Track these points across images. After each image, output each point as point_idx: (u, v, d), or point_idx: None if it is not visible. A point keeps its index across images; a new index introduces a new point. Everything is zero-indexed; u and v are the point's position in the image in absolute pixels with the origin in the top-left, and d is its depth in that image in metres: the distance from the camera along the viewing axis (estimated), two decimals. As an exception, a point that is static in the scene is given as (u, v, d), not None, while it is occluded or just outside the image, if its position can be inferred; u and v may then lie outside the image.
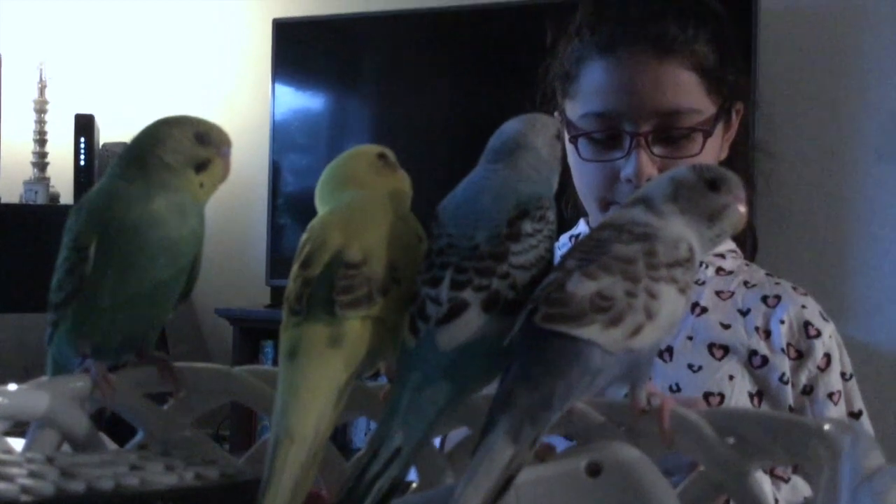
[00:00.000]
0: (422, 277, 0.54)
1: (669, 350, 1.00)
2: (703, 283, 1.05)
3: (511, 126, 0.60)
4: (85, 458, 0.46)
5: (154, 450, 0.55)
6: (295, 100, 2.89)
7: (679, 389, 0.96)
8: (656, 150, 0.99)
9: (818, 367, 0.99)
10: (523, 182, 0.56)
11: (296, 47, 2.87)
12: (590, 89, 1.03)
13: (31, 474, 0.40)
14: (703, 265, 1.05)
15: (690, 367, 0.98)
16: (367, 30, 2.82)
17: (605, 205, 1.04)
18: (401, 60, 2.80)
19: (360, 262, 0.54)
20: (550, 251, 0.55)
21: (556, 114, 1.10)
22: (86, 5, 3.18)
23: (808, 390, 0.99)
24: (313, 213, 0.61)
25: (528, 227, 0.54)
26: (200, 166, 0.59)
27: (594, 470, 0.50)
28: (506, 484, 0.46)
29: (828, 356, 1.00)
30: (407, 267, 0.56)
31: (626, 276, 0.51)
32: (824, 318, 1.03)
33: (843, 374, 1.01)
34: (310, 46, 2.89)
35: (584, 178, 1.05)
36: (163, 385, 0.60)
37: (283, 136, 2.87)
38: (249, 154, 2.98)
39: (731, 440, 0.52)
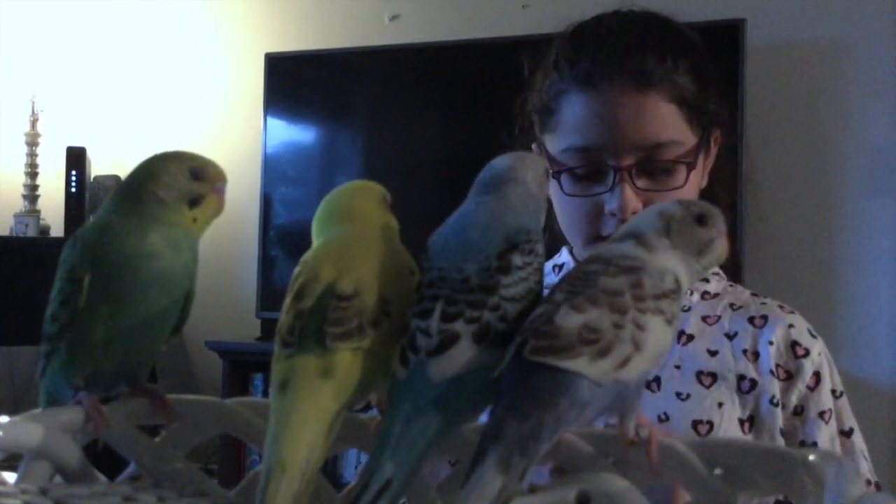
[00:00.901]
0: (413, 310, 0.54)
1: (657, 380, 1.00)
2: (689, 308, 1.04)
3: (501, 161, 0.61)
4: (78, 490, 0.46)
5: (146, 482, 0.55)
6: (286, 133, 2.91)
7: (668, 419, 0.96)
8: (640, 183, 0.99)
9: (808, 387, 0.99)
10: (511, 215, 0.57)
11: (287, 81, 2.89)
12: (570, 123, 1.02)
13: (25, 505, 0.40)
14: (689, 291, 1.04)
15: (679, 395, 0.98)
16: (357, 64, 2.84)
17: (590, 239, 1.03)
18: (391, 95, 2.82)
19: (352, 295, 0.55)
20: (540, 283, 0.56)
21: (534, 146, 1.10)
22: (78, 39, 3.20)
23: (800, 410, 0.98)
24: (304, 245, 0.62)
25: (517, 259, 0.55)
26: (194, 201, 0.60)
27: (583, 501, 0.51)
28: (496, 514, 0.46)
29: (817, 374, 1.00)
30: (398, 300, 0.56)
31: (614, 309, 0.52)
32: (812, 336, 1.03)
33: (833, 392, 1.00)
34: (301, 80, 2.91)
35: (568, 212, 1.05)
36: (155, 417, 0.60)
37: (274, 169, 2.89)
38: (241, 187, 2.99)
39: (719, 471, 0.53)
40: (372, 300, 0.55)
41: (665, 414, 0.97)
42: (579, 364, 0.50)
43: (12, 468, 0.58)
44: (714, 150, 1.09)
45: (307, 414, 0.51)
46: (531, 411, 0.49)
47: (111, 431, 0.58)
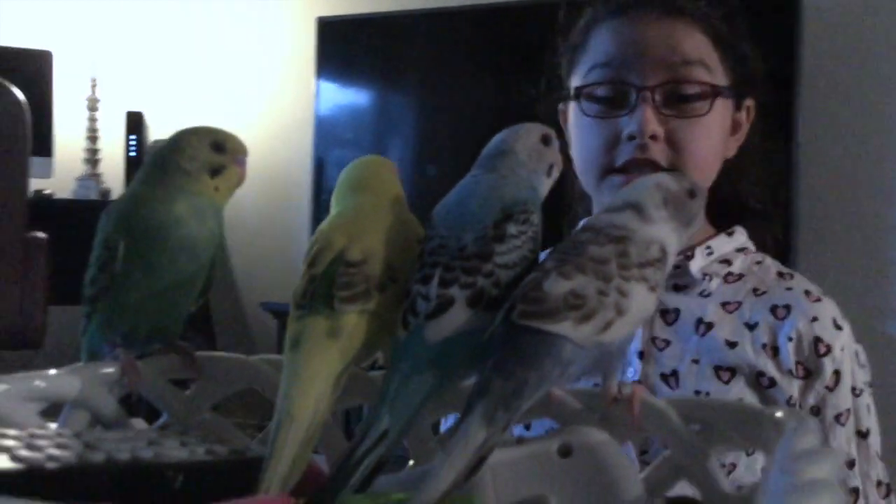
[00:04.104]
0: (415, 276, 0.59)
1: (675, 375, 0.97)
2: (709, 295, 1.01)
3: (498, 135, 0.64)
4: (108, 435, 0.52)
5: (174, 430, 0.61)
6: (338, 96, 2.95)
7: None
8: (663, 109, 0.97)
9: (826, 388, 0.95)
10: (508, 187, 0.61)
11: (339, 45, 2.94)
12: (598, 48, 1.01)
13: (58, 446, 0.46)
14: (708, 277, 1.02)
15: (697, 393, 0.95)
16: (409, 27, 2.87)
17: (604, 170, 1.00)
18: (442, 57, 2.84)
19: (360, 262, 0.59)
20: (534, 251, 0.60)
21: (560, 105, 1.10)
22: (135, 6, 3.27)
23: (816, 412, 0.95)
24: None
25: (512, 229, 0.59)
26: (216, 171, 0.65)
27: (565, 451, 0.55)
28: (479, 462, 0.51)
29: (837, 373, 0.96)
30: (404, 267, 0.61)
31: (599, 276, 0.56)
32: (837, 326, 0.98)
33: (853, 390, 0.97)
34: (352, 44, 2.95)
35: (585, 142, 1.03)
36: (185, 372, 0.66)
37: (326, 133, 2.93)
38: (293, 150, 3.06)
39: (696, 427, 0.57)
40: (379, 267, 0.60)
41: None
42: (563, 328, 0.54)
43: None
44: (745, 124, 1.07)
45: (315, 370, 0.56)
46: (516, 370, 0.53)
47: (145, 384, 0.64)
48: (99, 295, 0.64)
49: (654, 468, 0.58)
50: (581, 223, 0.81)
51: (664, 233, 0.59)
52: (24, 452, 0.44)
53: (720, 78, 1.00)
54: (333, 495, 0.51)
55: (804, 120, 2.31)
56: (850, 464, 0.96)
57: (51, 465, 0.43)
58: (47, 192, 2.96)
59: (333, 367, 0.56)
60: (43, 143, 2.98)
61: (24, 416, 0.56)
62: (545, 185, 0.64)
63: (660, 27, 0.99)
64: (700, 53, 0.99)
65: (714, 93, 0.99)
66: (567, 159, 1.10)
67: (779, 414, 0.53)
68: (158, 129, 3.27)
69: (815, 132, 2.38)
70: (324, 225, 0.64)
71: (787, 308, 0.98)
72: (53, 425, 0.61)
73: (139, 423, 0.64)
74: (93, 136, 3.17)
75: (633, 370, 0.99)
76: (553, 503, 0.54)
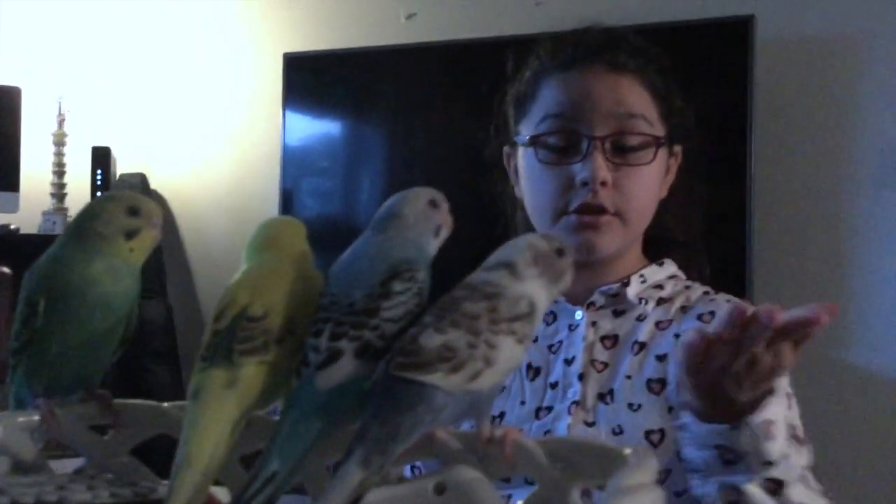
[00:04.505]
0: (309, 330, 0.65)
1: (611, 392, 1.05)
2: (645, 318, 1.10)
3: (389, 199, 0.70)
4: (20, 479, 0.58)
5: (88, 473, 0.66)
6: (305, 131, 2.99)
7: (622, 431, 1.02)
8: (611, 157, 1.07)
9: None
10: (396, 248, 0.67)
11: (306, 78, 2.99)
12: (548, 99, 1.10)
13: (-32, 493, 0.51)
14: (644, 301, 1.12)
15: (630, 406, 1.03)
16: (373, 63, 2.92)
17: (558, 214, 1.09)
18: (408, 93, 2.88)
19: (261, 317, 0.65)
20: (420, 305, 0.66)
21: (505, 149, 1.18)
22: (101, 42, 3.33)
23: None
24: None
25: (398, 286, 0.65)
26: (130, 234, 0.70)
27: (440, 489, 0.61)
28: (355, 502, 0.57)
29: None
30: (304, 320, 0.67)
31: (470, 330, 0.61)
32: None
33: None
34: (319, 77, 3.00)
35: (539, 187, 1.11)
36: (103, 418, 0.71)
37: (294, 164, 2.97)
38: (261, 183, 3.11)
39: (560, 465, 0.63)
40: (279, 320, 0.65)
41: (619, 427, 1.02)
42: (435, 378, 0.60)
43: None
44: (674, 167, 1.17)
45: (212, 418, 0.61)
46: (391, 416, 0.59)
47: (65, 430, 0.69)
48: (23, 348, 0.70)
49: (525, 503, 0.64)
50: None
51: (534, 289, 0.65)
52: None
53: (658, 128, 1.10)
54: (224, 532, 0.56)
55: (757, 152, 2.36)
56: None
57: (-44, 510, 0.49)
58: (13, 227, 3.00)
59: (229, 415, 0.62)
60: (10, 178, 3.02)
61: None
62: (433, 245, 0.70)
63: (606, 81, 1.08)
64: (642, 107, 1.09)
65: (657, 143, 1.09)
66: (513, 199, 1.19)
67: (627, 451, 0.59)
68: (125, 164, 3.31)
69: (769, 164, 2.43)
70: (230, 283, 0.70)
71: (712, 313, 1.08)
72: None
73: (64, 466, 0.69)
74: (59, 171, 3.20)
75: (574, 391, 1.07)
76: (427, 537, 0.59)
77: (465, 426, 0.65)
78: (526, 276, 0.65)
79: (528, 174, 1.14)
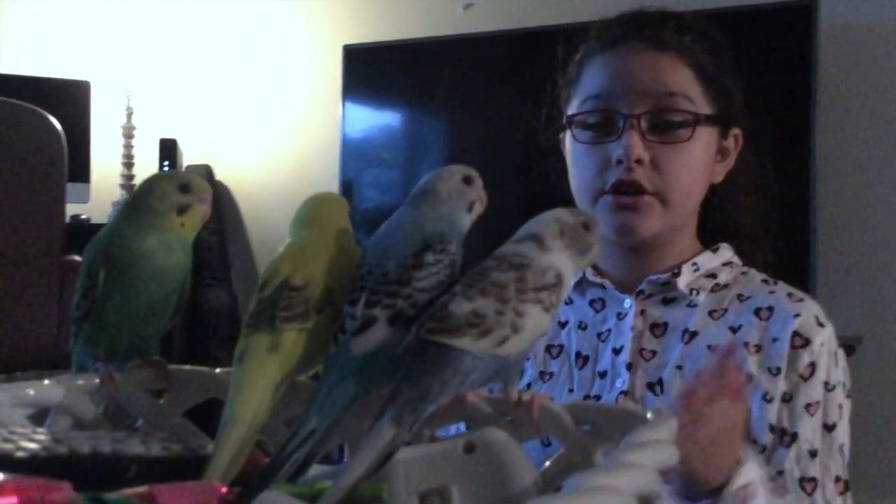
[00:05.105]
0: (346, 299, 0.69)
1: (660, 382, 1.04)
2: (696, 306, 1.09)
3: (425, 177, 0.74)
4: (78, 434, 0.62)
5: (143, 431, 0.71)
6: (364, 122, 3.04)
7: None
8: (648, 135, 1.06)
9: (800, 376, 1.02)
10: (430, 221, 0.70)
11: (365, 70, 3.03)
12: (589, 81, 1.11)
13: (31, 440, 0.56)
14: (695, 291, 1.10)
15: None
16: (430, 54, 2.95)
17: (596, 193, 1.09)
18: (465, 83, 2.91)
19: (302, 287, 0.69)
20: (451, 276, 0.69)
21: (561, 136, 1.18)
22: (168, 37, 3.42)
23: (788, 398, 1.02)
24: None
25: (430, 258, 0.68)
26: (182, 210, 0.75)
27: (469, 448, 0.64)
28: (387, 457, 0.60)
29: (813, 365, 1.02)
30: (342, 290, 0.70)
31: (498, 299, 0.65)
32: (820, 324, 1.04)
33: (825, 384, 1.03)
34: (378, 69, 3.05)
35: (578, 168, 1.11)
36: (158, 383, 0.76)
37: (353, 155, 3.02)
38: (321, 174, 3.17)
39: (587, 427, 0.66)
40: (318, 291, 0.69)
41: None
42: (463, 342, 0.63)
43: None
44: (734, 151, 1.14)
45: (255, 380, 0.65)
46: (421, 378, 0.62)
47: (123, 393, 0.74)
48: (83, 317, 0.75)
49: (551, 463, 0.67)
50: None
51: (561, 260, 0.68)
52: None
53: (703, 108, 1.08)
54: (264, 484, 0.60)
55: (821, 140, 2.33)
56: (813, 453, 1.02)
57: (20, 454, 0.53)
58: (84, 216, 3.10)
59: (272, 377, 0.66)
60: (81, 170, 3.12)
61: (13, 419, 0.66)
62: (466, 220, 0.73)
63: (646, 59, 1.08)
64: (683, 86, 1.07)
65: (695, 121, 1.07)
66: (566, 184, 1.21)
67: (649, 415, 0.62)
68: (190, 155, 3.41)
69: (833, 152, 2.40)
70: (274, 256, 0.74)
71: (770, 309, 1.06)
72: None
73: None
74: (128, 163, 3.31)
75: (622, 380, 1.07)
76: (455, 491, 0.63)
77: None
78: (553, 248, 0.68)
79: (571, 156, 1.14)
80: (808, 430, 1.02)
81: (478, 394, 0.69)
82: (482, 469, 0.63)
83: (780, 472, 1.01)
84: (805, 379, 1.02)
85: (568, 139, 1.16)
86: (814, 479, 1.01)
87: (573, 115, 1.11)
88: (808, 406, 1.02)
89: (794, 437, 1.01)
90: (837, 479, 1.03)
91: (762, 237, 1.21)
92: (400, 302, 0.66)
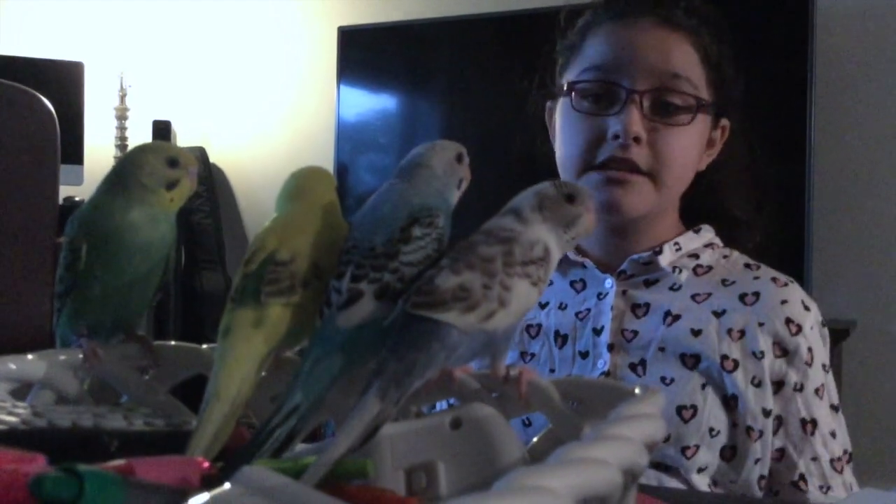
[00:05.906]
0: (333, 273, 0.68)
1: (643, 363, 1.03)
2: (679, 288, 1.07)
3: (416, 149, 0.73)
4: (59, 408, 0.61)
5: (125, 406, 0.70)
6: (359, 104, 3.03)
7: None
8: (649, 115, 1.03)
9: (805, 363, 1.02)
10: (418, 195, 0.69)
11: (360, 52, 3.02)
12: (593, 49, 1.07)
13: (10, 413, 0.55)
14: (678, 270, 1.08)
15: (663, 379, 1.01)
16: (429, 36, 2.94)
17: (584, 166, 1.06)
18: (464, 65, 2.90)
19: (288, 261, 0.68)
20: (438, 251, 0.68)
21: (548, 103, 1.15)
22: (162, 18, 3.40)
23: (800, 388, 1.02)
24: None
25: (417, 231, 0.67)
26: (171, 185, 0.74)
27: (456, 424, 0.63)
28: (373, 432, 0.60)
29: (810, 350, 1.03)
30: (329, 265, 0.69)
31: (485, 272, 0.64)
32: (805, 307, 1.05)
33: (823, 366, 1.04)
34: (374, 51, 3.03)
35: (571, 137, 1.08)
36: (143, 359, 0.75)
37: (348, 138, 3.02)
38: (316, 156, 3.16)
39: (574, 404, 0.65)
40: (304, 265, 0.68)
41: None
42: (450, 316, 0.62)
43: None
44: (720, 141, 1.13)
45: (240, 355, 0.64)
46: (407, 353, 0.61)
47: (107, 369, 0.73)
48: (66, 291, 0.74)
49: (539, 439, 0.67)
50: None
51: (542, 233, 0.67)
52: (-22, 418, 0.54)
53: (703, 94, 1.07)
54: (246, 459, 0.59)
55: (818, 125, 2.32)
56: (833, 434, 1.04)
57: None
58: (78, 198, 3.08)
59: (257, 352, 0.65)
60: (74, 152, 3.10)
61: (-6, 393, 0.66)
62: (454, 196, 0.72)
63: (654, 35, 1.05)
64: (688, 69, 1.05)
65: (698, 106, 1.05)
66: (549, 154, 1.19)
67: (637, 390, 0.61)
68: (185, 137, 3.39)
69: (830, 138, 2.39)
70: (260, 230, 0.73)
71: (756, 294, 1.05)
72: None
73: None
74: (122, 145, 3.29)
75: (603, 361, 1.05)
76: (441, 467, 0.62)
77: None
78: (532, 221, 0.67)
79: (562, 124, 1.11)
80: (824, 413, 1.03)
81: (465, 369, 0.68)
82: (469, 445, 0.63)
83: (814, 459, 1.02)
84: (809, 365, 1.03)
85: (559, 108, 1.13)
86: (840, 459, 1.04)
87: (573, 83, 1.08)
88: (816, 391, 1.03)
89: (815, 423, 1.02)
90: (844, 452, 1.05)
91: (754, 222, 1.20)
92: (387, 276, 0.66)
